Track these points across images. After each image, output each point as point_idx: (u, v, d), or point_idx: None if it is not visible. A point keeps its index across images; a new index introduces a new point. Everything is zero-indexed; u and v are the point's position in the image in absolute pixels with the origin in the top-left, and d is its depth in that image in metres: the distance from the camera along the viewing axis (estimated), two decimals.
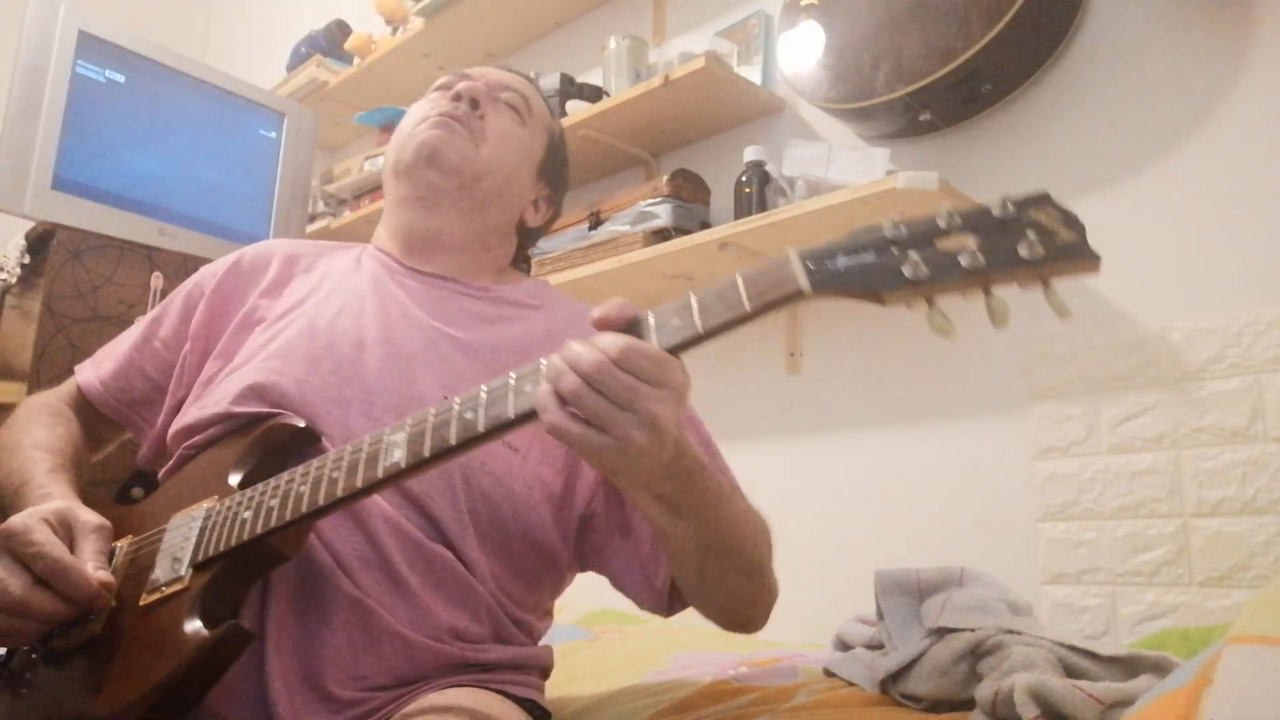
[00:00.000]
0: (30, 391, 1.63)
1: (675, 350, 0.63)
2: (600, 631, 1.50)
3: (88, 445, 1.00)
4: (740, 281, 0.62)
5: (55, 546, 0.73)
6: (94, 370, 1.03)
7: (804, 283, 0.59)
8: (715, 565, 0.79)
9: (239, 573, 0.74)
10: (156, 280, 1.79)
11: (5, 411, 1.68)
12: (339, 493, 0.70)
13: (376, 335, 0.90)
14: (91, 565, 0.74)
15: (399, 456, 0.68)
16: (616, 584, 0.91)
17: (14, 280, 1.77)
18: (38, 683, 0.76)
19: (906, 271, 0.57)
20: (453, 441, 0.66)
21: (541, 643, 0.94)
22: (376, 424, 0.82)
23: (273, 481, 0.75)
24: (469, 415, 0.66)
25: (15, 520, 0.74)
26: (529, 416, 0.64)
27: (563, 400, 0.61)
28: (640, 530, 0.88)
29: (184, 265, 1.84)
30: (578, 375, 0.61)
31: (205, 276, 1.03)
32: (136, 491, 0.96)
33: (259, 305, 0.97)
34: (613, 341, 0.61)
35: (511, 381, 0.66)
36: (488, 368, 0.90)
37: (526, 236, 1.10)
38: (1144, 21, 1.38)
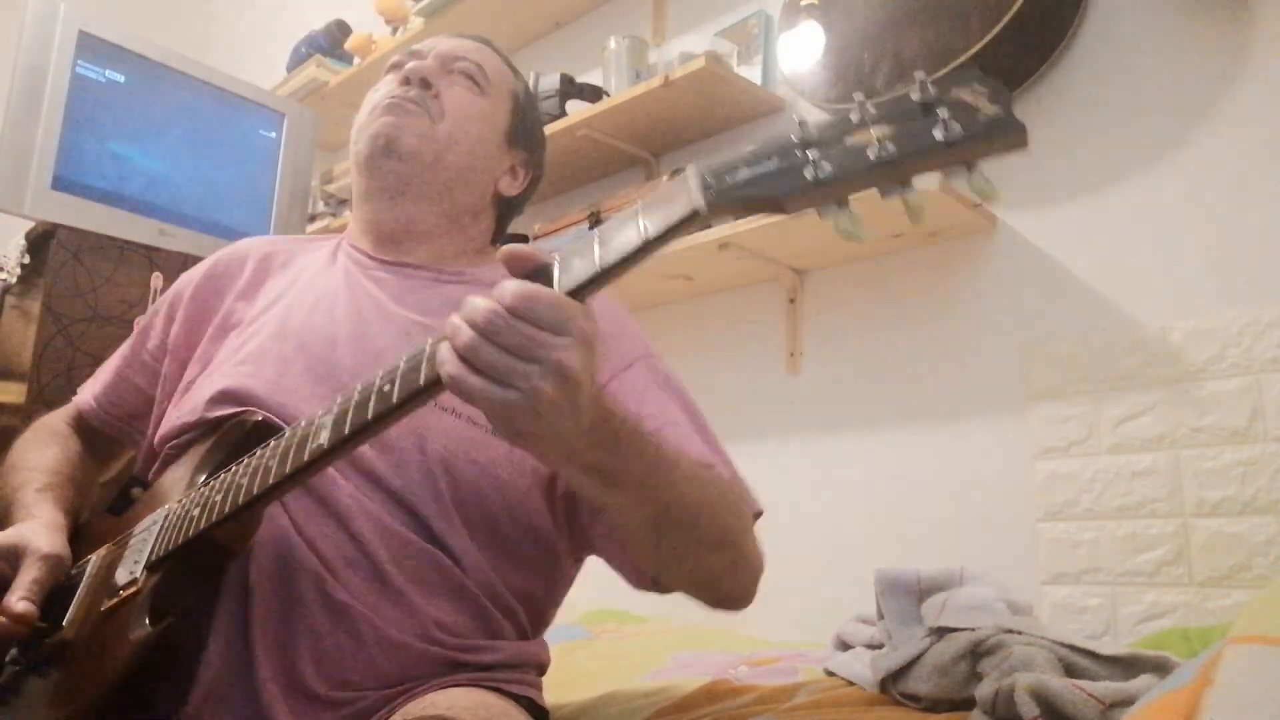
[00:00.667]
0: (30, 392, 1.63)
1: (578, 292, 0.58)
2: (600, 631, 1.50)
3: (93, 463, 1.01)
4: (639, 208, 0.57)
5: None
6: (90, 388, 1.04)
7: (699, 200, 0.54)
8: (671, 539, 0.73)
9: (188, 571, 0.74)
10: (156, 280, 1.79)
11: (6, 411, 1.68)
12: (270, 480, 0.68)
13: (349, 333, 0.89)
14: (14, 597, 0.76)
15: (324, 438, 0.66)
16: (610, 564, 0.87)
17: (14, 280, 1.77)
18: (22, 691, 0.77)
19: (807, 173, 0.52)
20: (369, 416, 0.63)
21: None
22: None
23: (222, 475, 0.75)
24: (386, 387, 0.63)
25: None
26: (439, 381, 0.60)
27: (463, 358, 0.57)
28: None
29: (184, 265, 1.83)
30: (472, 329, 0.57)
31: (183, 284, 1.02)
32: (136, 492, 0.96)
33: (235, 309, 0.96)
34: (506, 289, 0.57)
35: (427, 347, 0.62)
36: None
37: (506, 208, 1.05)
38: (1144, 21, 1.38)
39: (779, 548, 1.66)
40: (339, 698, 0.76)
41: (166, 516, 0.78)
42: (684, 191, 0.55)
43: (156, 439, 0.91)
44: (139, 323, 1.05)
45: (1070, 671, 0.80)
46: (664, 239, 0.56)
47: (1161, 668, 0.78)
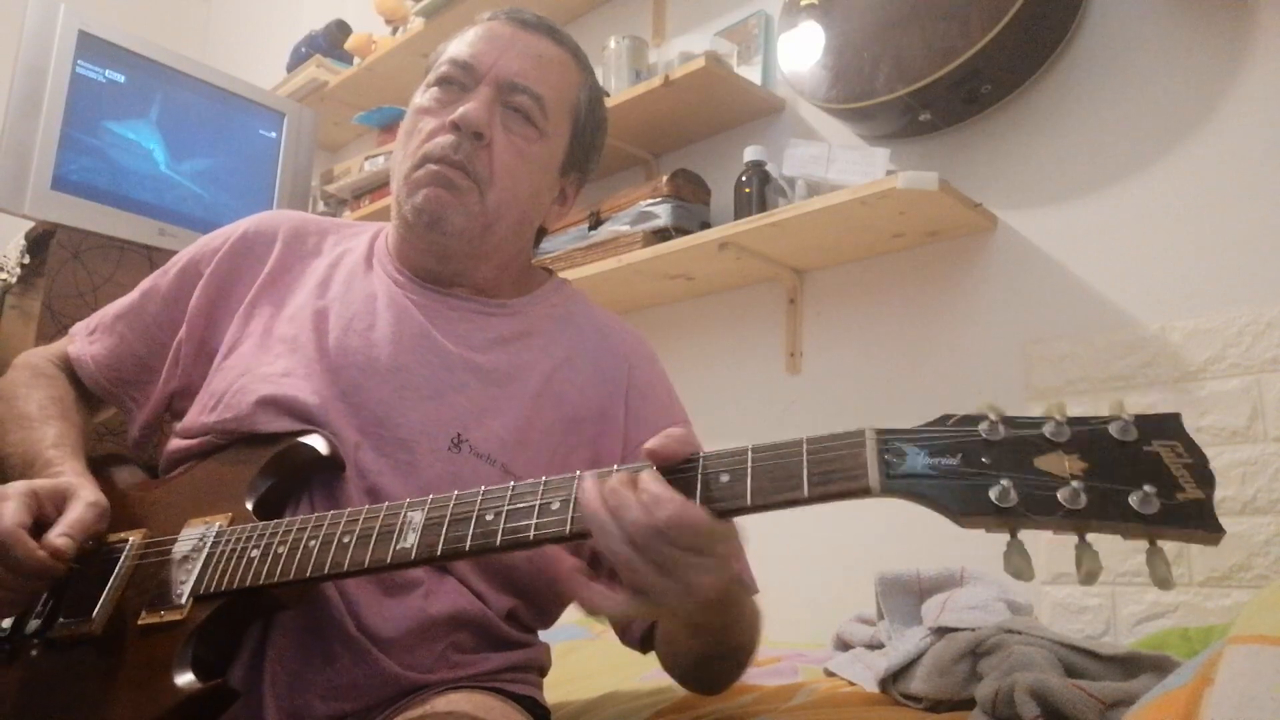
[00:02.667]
0: None
1: (723, 516, 0.59)
2: (600, 631, 1.50)
3: (84, 407, 0.97)
4: (805, 457, 0.56)
5: (4, 519, 0.72)
6: (86, 344, 0.99)
7: (874, 481, 0.53)
8: (711, 667, 0.82)
9: (237, 613, 0.73)
10: None
11: None
12: (346, 566, 0.68)
13: (387, 363, 0.86)
14: (55, 532, 0.73)
15: (412, 541, 0.67)
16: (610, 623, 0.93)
17: (14, 280, 1.77)
18: (35, 664, 0.75)
19: (993, 495, 0.49)
20: (467, 548, 0.65)
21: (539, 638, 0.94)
22: (386, 460, 0.82)
23: (284, 524, 0.73)
24: (490, 519, 0.64)
25: None
26: (552, 540, 0.63)
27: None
28: None
29: None
30: (626, 537, 0.58)
31: (203, 254, 0.97)
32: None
33: (262, 297, 0.93)
34: (661, 506, 0.57)
35: (540, 494, 0.64)
36: (504, 394, 0.88)
37: (544, 229, 1.04)
38: (1144, 22, 1.38)
39: (779, 548, 1.66)
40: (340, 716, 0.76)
41: (217, 540, 0.75)
42: (859, 465, 0.54)
43: (186, 427, 0.87)
44: (143, 284, 1.00)
45: (1070, 671, 0.80)
46: (823, 501, 0.55)
47: (1161, 668, 0.78)
